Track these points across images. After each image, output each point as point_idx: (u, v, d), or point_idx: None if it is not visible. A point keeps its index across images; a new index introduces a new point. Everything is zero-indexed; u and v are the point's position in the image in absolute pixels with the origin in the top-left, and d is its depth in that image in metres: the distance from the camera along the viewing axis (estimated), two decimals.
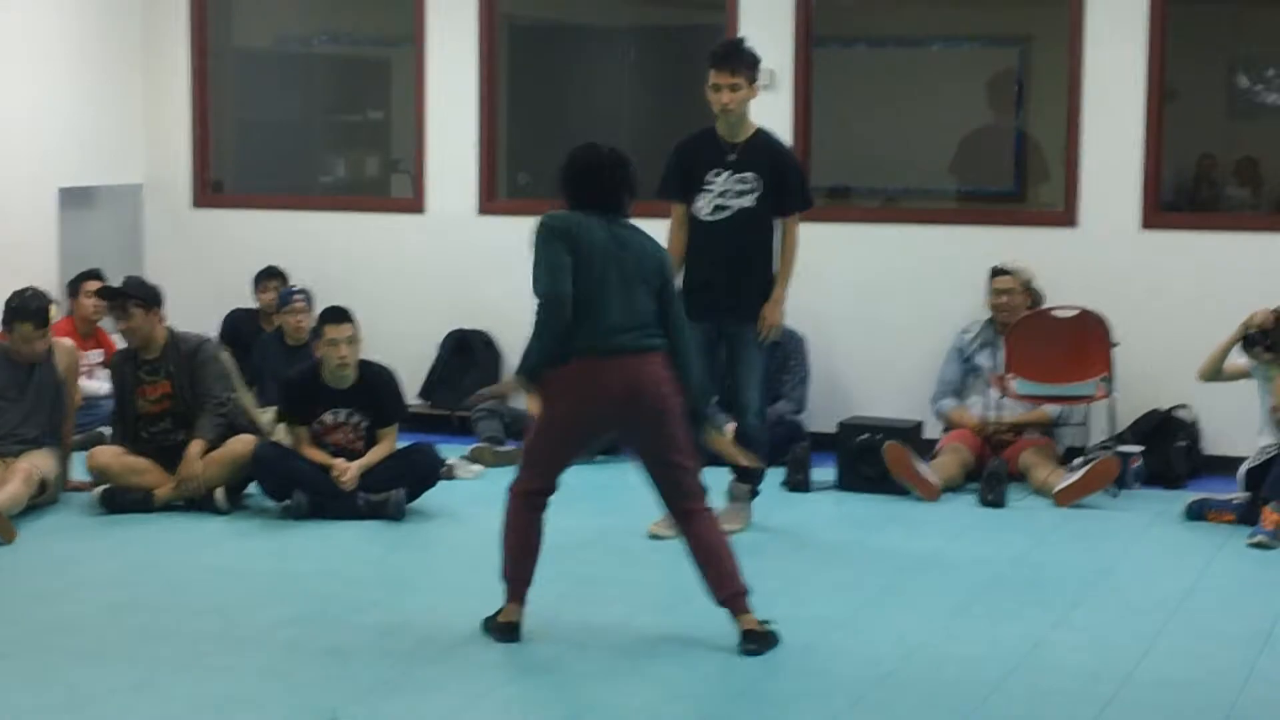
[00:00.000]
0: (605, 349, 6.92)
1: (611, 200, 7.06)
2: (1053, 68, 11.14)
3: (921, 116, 11.91)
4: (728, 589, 7.00)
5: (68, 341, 9.63)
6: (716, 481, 9.04)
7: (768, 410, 9.52)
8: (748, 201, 8.72)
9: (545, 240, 6.89)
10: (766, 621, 6.98)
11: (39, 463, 9.21)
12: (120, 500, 9.16)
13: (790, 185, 8.81)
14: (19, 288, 10.53)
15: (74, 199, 11.91)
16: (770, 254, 8.82)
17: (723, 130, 8.78)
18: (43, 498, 9.22)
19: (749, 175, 8.72)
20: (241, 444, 9.32)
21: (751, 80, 8.73)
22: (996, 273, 10.51)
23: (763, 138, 8.87)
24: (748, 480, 9.06)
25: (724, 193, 8.73)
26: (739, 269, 8.74)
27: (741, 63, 8.70)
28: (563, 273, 6.84)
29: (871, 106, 11.98)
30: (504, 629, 7.04)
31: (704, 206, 8.74)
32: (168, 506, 9.23)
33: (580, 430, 7.09)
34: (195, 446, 9.26)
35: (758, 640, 6.93)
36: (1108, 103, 10.65)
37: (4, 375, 9.43)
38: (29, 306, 9.42)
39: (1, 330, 9.49)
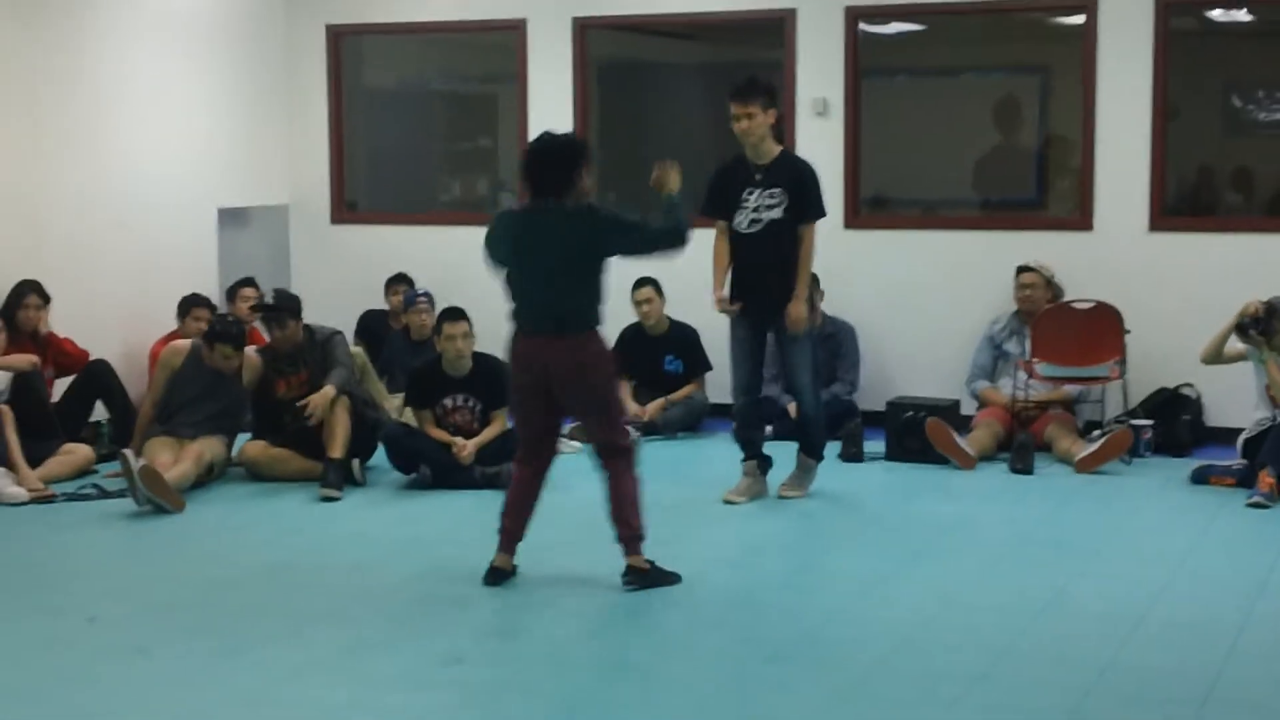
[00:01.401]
0: (525, 330, 7.03)
1: (535, 188, 6.98)
2: (1069, 92, 11.04)
3: (955, 136, 11.82)
4: (623, 532, 7.07)
5: (255, 356, 9.66)
6: (785, 454, 9.06)
7: (824, 392, 9.48)
8: (777, 214, 8.63)
9: (485, 254, 7.15)
10: (651, 561, 7.09)
11: (208, 447, 9.28)
12: (335, 477, 9.06)
13: (808, 197, 8.68)
14: (187, 293, 10.70)
15: (231, 218, 11.98)
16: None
17: (750, 154, 8.68)
18: (210, 477, 9.29)
19: (776, 190, 8.63)
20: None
21: (766, 107, 8.58)
22: (1022, 270, 10.46)
23: (786, 158, 8.78)
24: (813, 455, 9.02)
25: (756, 208, 8.65)
26: (775, 272, 8.64)
27: (754, 94, 8.58)
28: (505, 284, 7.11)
29: (912, 128, 11.90)
30: (491, 573, 7.13)
31: (742, 221, 8.68)
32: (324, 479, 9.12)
33: (523, 395, 7.11)
34: (326, 390, 9.27)
35: (636, 575, 7.04)
36: (1118, 122, 10.57)
37: (192, 370, 9.50)
38: (230, 331, 9.50)
39: (204, 343, 9.54)
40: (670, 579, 7.11)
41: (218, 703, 5.77)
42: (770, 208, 8.63)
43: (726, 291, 8.77)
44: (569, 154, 7.00)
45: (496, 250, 7.10)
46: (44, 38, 10.37)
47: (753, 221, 8.66)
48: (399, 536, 8.25)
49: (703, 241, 8.82)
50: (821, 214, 8.78)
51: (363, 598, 7.05)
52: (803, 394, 8.93)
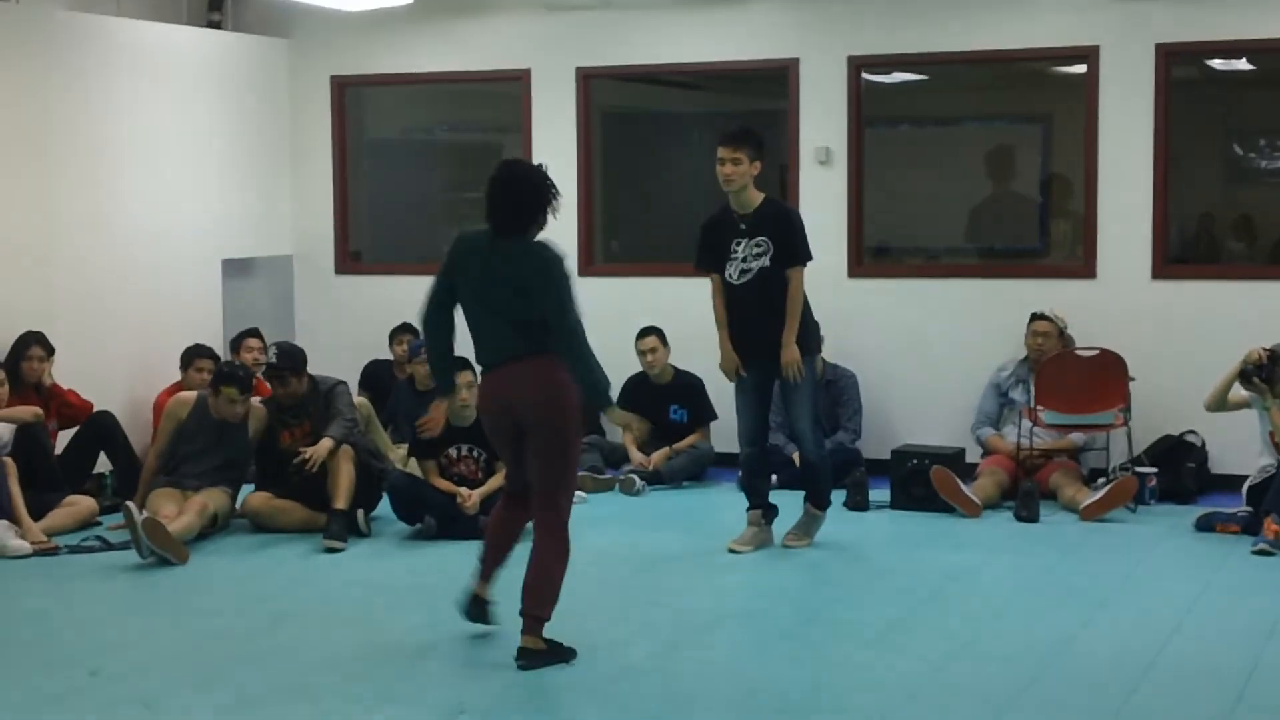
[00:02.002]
0: (484, 365, 6.81)
1: (497, 218, 6.68)
2: (1071, 141, 11.07)
3: (958, 185, 11.85)
4: (529, 607, 6.67)
5: (261, 407, 9.66)
6: (791, 502, 9.04)
7: (828, 440, 9.45)
8: (764, 262, 8.62)
9: (439, 268, 6.87)
10: (549, 640, 6.69)
11: (212, 499, 9.26)
12: (339, 528, 9.04)
13: (793, 244, 8.66)
14: (191, 343, 10.70)
15: (235, 268, 12.00)
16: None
17: (734, 204, 8.69)
18: (214, 529, 9.26)
19: (761, 239, 8.62)
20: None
21: (753, 157, 8.58)
22: (1036, 317, 10.43)
23: (769, 206, 8.76)
24: (819, 504, 9.00)
25: (745, 258, 8.65)
26: (769, 320, 8.64)
27: (744, 141, 8.58)
28: (428, 307, 6.90)
29: (914, 177, 11.93)
30: (468, 598, 7.01)
31: (733, 273, 8.68)
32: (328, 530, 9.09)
33: (496, 435, 6.92)
34: (325, 442, 9.28)
35: (528, 656, 6.63)
36: (1120, 170, 10.59)
37: (197, 422, 9.50)
38: (236, 374, 9.54)
39: (209, 388, 9.59)
40: (566, 654, 6.72)
41: None
42: (758, 256, 8.63)
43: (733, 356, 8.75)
44: (538, 190, 6.70)
45: (460, 275, 6.76)
46: (49, 93, 10.40)
47: (743, 272, 8.66)
48: (404, 587, 8.22)
49: (702, 292, 8.89)
50: (807, 258, 8.73)
51: (368, 649, 7.02)
52: (804, 441, 8.91)
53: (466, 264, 6.78)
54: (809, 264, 8.73)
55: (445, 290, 6.85)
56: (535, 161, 6.94)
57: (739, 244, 8.66)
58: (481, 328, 6.77)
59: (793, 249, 8.66)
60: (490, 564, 7.03)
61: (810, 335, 8.81)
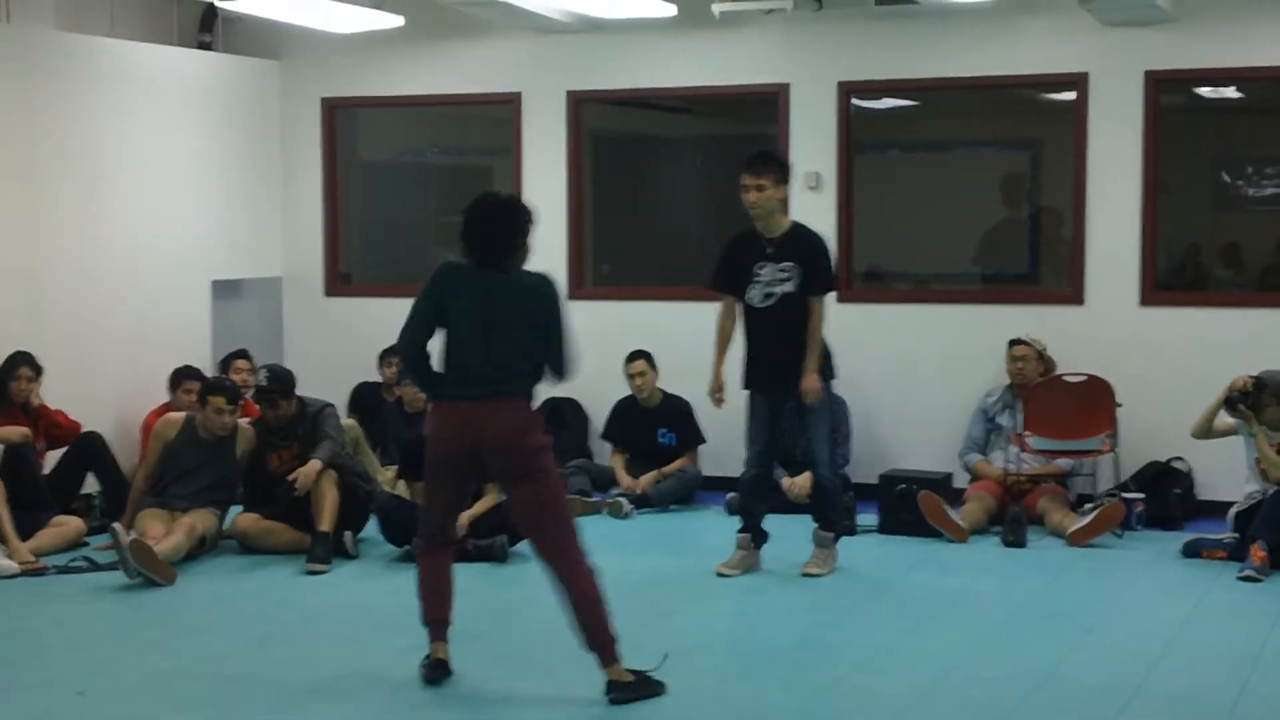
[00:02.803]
0: (457, 395, 6.56)
1: (486, 254, 6.62)
2: (1060, 167, 11.11)
3: (947, 210, 11.89)
4: (595, 639, 6.54)
5: (249, 428, 9.68)
6: (800, 528, 9.05)
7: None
8: (789, 287, 8.63)
9: (422, 293, 6.71)
10: (642, 670, 6.59)
11: (200, 520, 9.27)
12: (322, 551, 9.06)
13: (818, 271, 8.68)
14: (179, 365, 10.71)
15: (224, 290, 12.01)
16: None
17: (761, 227, 8.69)
18: (202, 550, 9.27)
19: (788, 265, 8.63)
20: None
21: (778, 181, 8.60)
22: (1015, 343, 10.48)
23: (797, 231, 8.75)
24: (831, 528, 9.00)
25: (770, 282, 8.66)
26: (790, 345, 8.65)
27: (767, 166, 8.61)
28: (416, 330, 6.70)
29: (904, 203, 11.96)
30: (432, 667, 6.77)
31: (755, 296, 8.69)
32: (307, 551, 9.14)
33: (441, 469, 6.67)
34: (313, 464, 9.28)
35: (618, 689, 6.50)
36: (1109, 197, 10.64)
37: (186, 443, 9.51)
38: (223, 384, 9.69)
39: (197, 401, 9.67)
40: (655, 688, 6.59)
41: None
42: (783, 281, 8.63)
43: (725, 378, 8.79)
44: (516, 222, 6.70)
45: (451, 301, 6.63)
46: (41, 113, 10.43)
47: (766, 296, 8.66)
48: (391, 609, 8.22)
49: (708, 313, 8.92)
50: (830, 288, 8.76)
51: (356, 670, 7.03)
52: (819, 464, 8.92)
53: (462, 294, 6.65)
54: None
55: (435, 319, 6.70)
56: (510, 191, 6.90)
57: (763, 267, 8.66)
58: (469, 360, 6.59)
59: (820, 277, 8.67)
60: (438, 622, 6.84)
61: (827, 362, 8.84)
